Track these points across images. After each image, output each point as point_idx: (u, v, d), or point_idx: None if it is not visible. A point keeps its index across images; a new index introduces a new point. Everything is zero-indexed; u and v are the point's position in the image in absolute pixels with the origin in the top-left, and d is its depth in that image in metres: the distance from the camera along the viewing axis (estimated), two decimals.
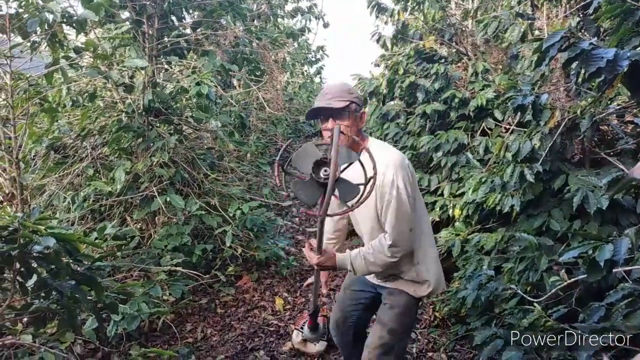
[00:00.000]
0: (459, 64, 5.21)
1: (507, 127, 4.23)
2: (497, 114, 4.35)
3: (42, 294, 1.77)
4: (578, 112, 3.17)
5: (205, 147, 4.61)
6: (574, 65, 1.86)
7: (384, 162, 1.94)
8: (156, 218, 4.04)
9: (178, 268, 3.30)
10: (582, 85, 3.28)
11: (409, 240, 2.03)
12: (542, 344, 2.25)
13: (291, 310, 3.87)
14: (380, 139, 5.71)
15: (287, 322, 3.67)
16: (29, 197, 2.82)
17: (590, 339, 1.95)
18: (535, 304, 2.21)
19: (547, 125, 3.33)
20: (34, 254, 1.56)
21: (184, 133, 4.31)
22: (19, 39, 2.87)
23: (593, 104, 3.13)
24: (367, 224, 2.14)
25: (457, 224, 3.93)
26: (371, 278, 2.34)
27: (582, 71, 1.73)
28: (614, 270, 2.21)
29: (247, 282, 4.23)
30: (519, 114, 3.63)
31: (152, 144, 3.76)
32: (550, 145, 3.27)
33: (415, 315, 2.29)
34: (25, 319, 2.66)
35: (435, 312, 3.67)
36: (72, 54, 3.04)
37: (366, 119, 5.73)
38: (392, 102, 5.34)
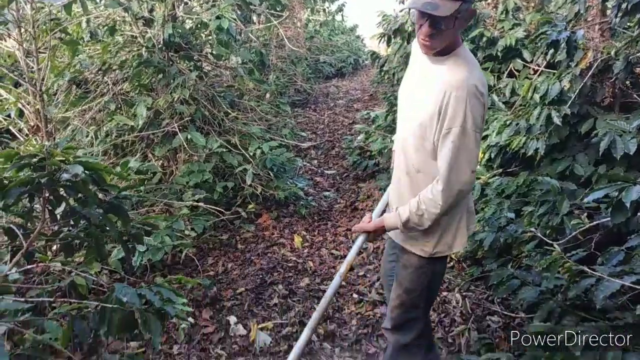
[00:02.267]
0: (489, 1, 4.98)
1: (536, 68, 4.09)
2: (526, 55, 4.20)
3: (71, 222, 1.83)
4: (612, 52, 3.04)
5: (225, 85, 4.57)
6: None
7: (456, 81, 1.62)
8: (177, 155, 4.08)
9: (200, 203, 3.36)
10: (619, 22, 3.12)
11: (468, 184, 1.70)
12: (559, 285, 2.28)
13: (309, 247, 3.95)
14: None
15: (305, 258, 3.75)
16: (53, 130, 2.85)
17: (607, 281, 1.95)
18: (555, 245, 2.21)
19: (578, 66, 3.21)
20: (63, 182, 1.59)
21: (204, 70, 4.27)
22: None
23: (629, 44, 2.99)
24: (411, 130, 1.81)
25: (478, 167, 3.89)
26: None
27: (624, 4, 1.64)
28: (638, 214, 2.19)
29: (266, 220, 4.31)
30: (549, 55, 3.50)
31: (172, 80, 3.74)
32: (580, 87, 3.17)
33: (432, 274, 2.00)
34: (54, 248, 2.76)
35: (451, 255, 3.71)
36: None
37: (392, 57, 5.58)
38: None
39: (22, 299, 1.49)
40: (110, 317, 1.53)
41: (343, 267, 1.94)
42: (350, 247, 3.95)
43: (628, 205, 1.64)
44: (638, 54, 2.94)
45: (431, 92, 1.69)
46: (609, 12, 3.19)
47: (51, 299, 1.59)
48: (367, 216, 2.10)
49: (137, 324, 1.52)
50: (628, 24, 3.23)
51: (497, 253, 3.18)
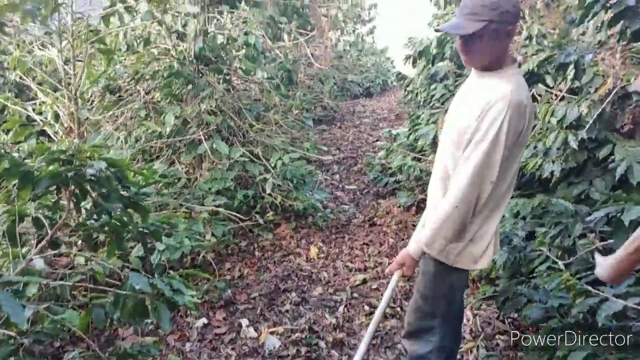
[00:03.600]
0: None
1: (558, 93, 4.11)
2: (549, 80, 4.22)
3: (94, 216, 1.96)
4: (632, 80, 3.05)
5: (252, 98, 4.73)
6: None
7: (501, 93, 1.70)
8: (202, 163, 4.23)
9: (220, 209, 3.47)
10: (627, 46, 3.14)
11: (483, 192, 1.77)
12: (565, 304, 2.28)
13: (324, 259, 4.01)
14: (427, 100, 5.67)
15: (320, 269, 3.82)
16: (85, 132, 3.03)
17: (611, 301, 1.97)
18: (559, 263, 2.24)
19: (597, 92, 3.23)
20: (88, 177, 1.72)
21: (232, 83, 4.44)
22: None
23: None
24: (449, 137, 1.92)
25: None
26: None
27: (627, 30, 1.69)
28: None
29: (284, 229, 4.40)
30: (569, 80, 3.53)
31: (201, 91, 3.91)
32: (598, 112, 3.18)
33: (449, 285, 2.01)
34: (79, 243, 2.91)
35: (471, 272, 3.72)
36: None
37: (416, 78, 5.67)
38: (441, 63, 5.26)
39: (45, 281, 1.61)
40: (124, 303, 1.64)
41: (378, 313, 1.96)
42: (366, 260, 4.04)
43: (627, 224, 1.67)
44: None
45: (475, 101, 1.80)
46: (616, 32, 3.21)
47: (70, 283, 1.71)
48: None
49: (148, 311, 1.62)
50: None
51: (510, 273, 3.19)
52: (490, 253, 1.95)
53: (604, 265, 1.50)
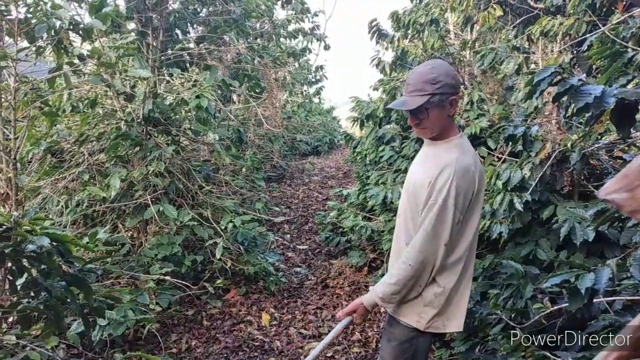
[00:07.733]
0: None
1: (500, 156, 4.30)
2: (490, 143, 4.42)
3: (32, 294, 1.79)
4: (568, 145, 3.25)
5: (202, 159, 4.65)
6: (564, 99, 1.94)
7: (447, 160, 1.82)
8: (148, 227, 4.05)
9: (167, 277, 3.30)
10: (571, 119, 3.36)
11: (436, 253, 1.83)
12: None
13: (277, 326, 3.87)
14: (375, 161, 5.79)
15: (272, 337, 3.67)
16: (23, 198, 2.84)
17: None
18: (517, 329, 2.24)
19: (538, 156, 3.40)
20: (27, 253, 1.58)
21: (182, 144, 4.36)
22: (25, 43, 2.93)
23: (583, 138, 3.21)
24: (405, 203, 2.02)
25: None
26: None
27: (571, 105, 1.80)
28: (595, 301, 2.25)
29: (234, 295, 4.23)
30: (510, 143, 3.72)
31: (149, 153, 3.80)
32: (540, 175, 3.34)
33: (415, 351, 2.00)
34: (10, 319, 2.66)
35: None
36: (76, 61, 3.10)
37: (364, 140, 5.80)
38: (388, 126, 5.42)
39: None
40: None
41: (316, 351, 1.97)
42: (320, 326, 3.92)
43: (583, 292, 1.70)
44: (591, 148, 3.15)
45: (426, 168, 1.92)
46: (561, 107, 3.44)
47: None
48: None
49: None
50: (581, 119, 3.48)
51: (464, 336, 3.18)
52: (462, 316, 1.99)
53: None
